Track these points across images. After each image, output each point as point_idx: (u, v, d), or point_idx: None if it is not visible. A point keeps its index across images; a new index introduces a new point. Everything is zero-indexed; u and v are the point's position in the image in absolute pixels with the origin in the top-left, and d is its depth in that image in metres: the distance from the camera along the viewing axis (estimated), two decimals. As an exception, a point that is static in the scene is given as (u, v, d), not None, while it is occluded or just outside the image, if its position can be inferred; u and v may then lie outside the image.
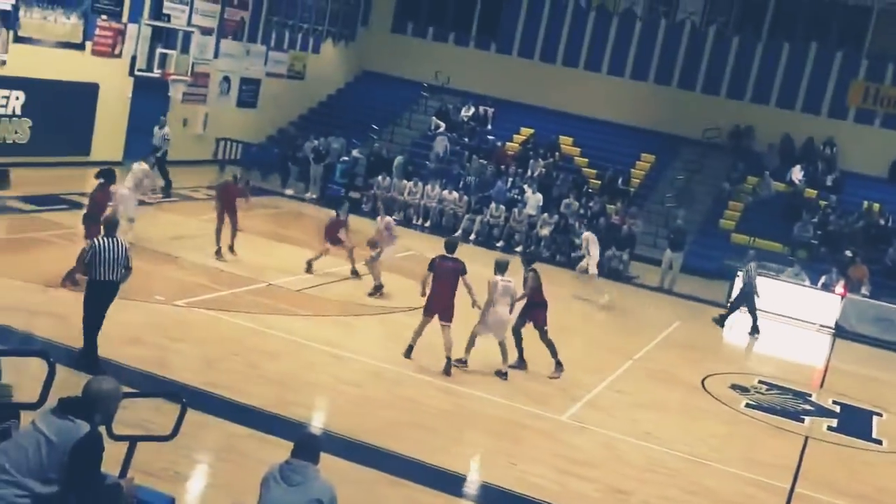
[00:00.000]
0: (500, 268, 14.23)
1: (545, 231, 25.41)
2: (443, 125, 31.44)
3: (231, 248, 18.38)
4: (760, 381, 16.95)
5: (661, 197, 28.85)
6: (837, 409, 16.25)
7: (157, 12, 26.04)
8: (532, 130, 31.40)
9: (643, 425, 13.37)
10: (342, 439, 10.83)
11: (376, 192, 26.61)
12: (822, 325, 22.27)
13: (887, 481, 13.24)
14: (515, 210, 26.12)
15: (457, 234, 25.14)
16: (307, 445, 6.41)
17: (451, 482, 10.47)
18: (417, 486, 10.09)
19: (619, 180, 28.99)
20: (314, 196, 27.45)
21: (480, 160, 29.05)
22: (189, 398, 7.02)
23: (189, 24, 27.23)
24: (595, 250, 21.38)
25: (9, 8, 21.93)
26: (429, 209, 26.69)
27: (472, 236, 25.65)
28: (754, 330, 20.46)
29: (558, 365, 14.68)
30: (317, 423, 11.60)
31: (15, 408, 7.00)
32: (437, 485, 10.23)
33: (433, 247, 20.32)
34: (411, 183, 27.13)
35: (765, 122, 30.53)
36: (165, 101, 26.96)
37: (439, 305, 13.90)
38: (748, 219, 28.03)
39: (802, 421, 15.08)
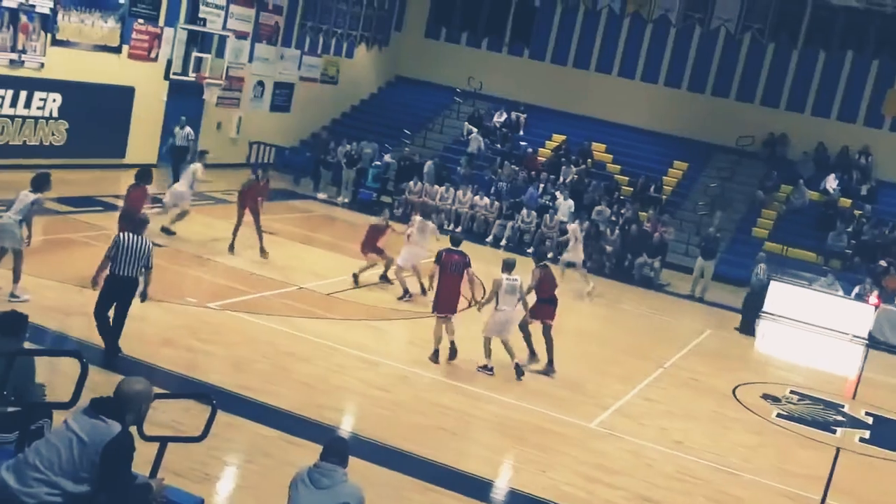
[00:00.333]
0: (507, 266, 14.35)
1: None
2: (475, 130, 31.48)
3: (262, 251, 18.47)
4: (792, 391, 16.82)
5: (693, 204, 28.71)
6: (870, 420, 16.09)
7: (192, 16, 26.27)
8: (564, 137, 31.33)
9: (672, 434, 13.30)
10: (371, 443, 10.86)
11: (408, 196, 26.67)
12: (855, 336, 22.06)
13: (920, 494, 13.09)
14: (547, 216, 26.08)
15: (487, 240, 25.22)
16: (336, 448, 6.45)
17: (479, 488, 10.46)
18: (445, 491, 10.09)
19: (652, 187, 28.88)
20: (346, 200, 27.58)
21: (512, 166, 29.06)
22: (219, 400, 7.06)
23: (224, 28, 27.46)
24: (580, 243, 22.14)
25: (47, 12, 22.23)
26: (460, 214, 26.72)
27: (503, 242, 25.66)
28: (747, 329, 20.72)
29: (550, 363, 14.73)
30: (345, 427, 11.63)
31: (48, 407, 7.10)
32: (465, 490, 10.22)
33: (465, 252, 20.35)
34: (443, 188, 27.17)
35: (799, 131, 30.32)
36: (200, 105, 27.21)
37: (449, 301, 14.34)
38: (781, 227, 27.83)
39: (834, 432, 14.95)
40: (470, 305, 15.56)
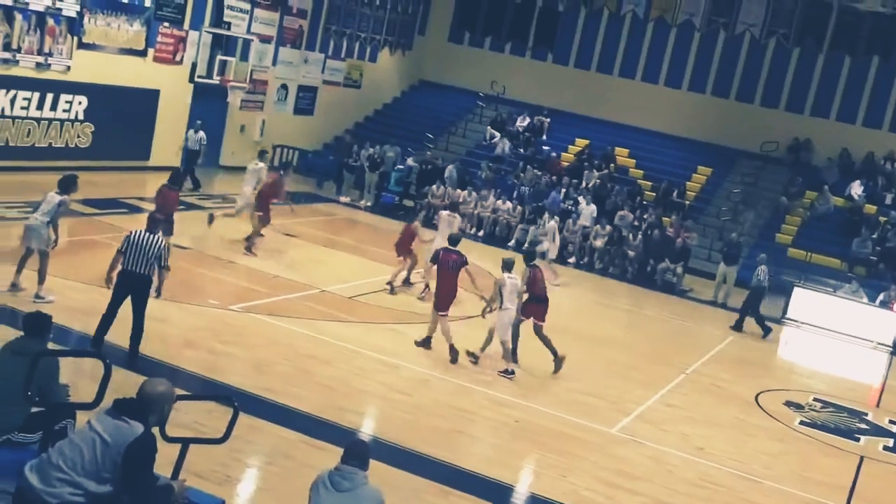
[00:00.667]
0: (508, 266, 14.41)
1: (599, 242, 25.27)
2: (498, 135, 31.50)
3: (248, 248, 18.49)
4: (815, 399, 16.71)
5: (716, 210, 28.59)
6: (894, 428, 15.95)
7: (217, 20, 26.42)
8: (587, 141, 31.30)
9: (694, 440, 13.25)
10: (391, 446, 10.87)
11: (430, 200, 26.69)
12: (879, 343, 21.88)
13: (944, 504, 12.97)
14: (569, 221, 26.03)
15: (510, 244, 25.20)
16: (356, 452, 6.46)
17: (499, 492, 10.46)
18: (466, 496, 10.09)
19: (675, 193, 28.78)
20: (368, 204, 27.63)
21: (535, 170, 29.04)
22: (241, 402, 7.09)
23: (248, 31, 27.59)
24: (557, 238, 22.94)
25: (74, 15, 22.41)
26: (483, 219, 26.71)
27: (525, 246, 25.60)
28: (738, 326, 20.71)
29: (556, 357, 14.73)
30: (366, 430, 11.66)
31: (71, 408, 7.16)
32: (484, 494, 10.21)
33: (487, 256, 20.38)
34: (465, 192, 27.18)
35: (824, 136, 30.13)
36: (224, 108, 27.35)
37: (448, 300, 14.59)
38: (805, 234, 27.64)
39: (858, 440, 14.84)
40: (486, 309, 15.28)
